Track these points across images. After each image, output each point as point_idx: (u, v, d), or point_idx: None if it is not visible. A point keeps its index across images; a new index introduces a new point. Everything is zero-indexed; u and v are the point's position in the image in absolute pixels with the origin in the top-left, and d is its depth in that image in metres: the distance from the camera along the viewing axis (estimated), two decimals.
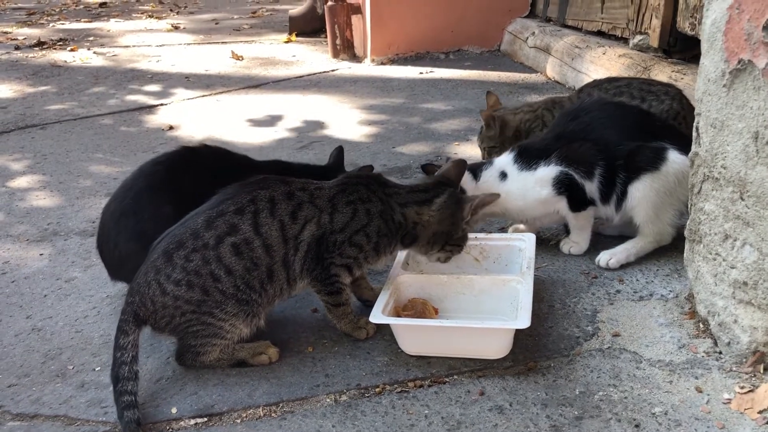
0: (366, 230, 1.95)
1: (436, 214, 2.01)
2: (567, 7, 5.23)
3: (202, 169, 2.27)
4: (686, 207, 2.25)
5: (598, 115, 2.39)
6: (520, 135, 3.08)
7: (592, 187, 2.33)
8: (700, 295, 1.94)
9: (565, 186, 2.32)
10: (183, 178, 2.21)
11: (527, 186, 2.35)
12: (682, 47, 3.84)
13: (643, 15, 4.10)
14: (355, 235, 1.93)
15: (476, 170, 2.44)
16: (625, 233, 2.43)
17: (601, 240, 2.44)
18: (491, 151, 3.13)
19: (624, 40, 4.40)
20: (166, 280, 1.82)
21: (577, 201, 2.34)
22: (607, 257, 2.34)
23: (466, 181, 2.42)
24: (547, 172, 2.33)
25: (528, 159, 2.37)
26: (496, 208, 2.38)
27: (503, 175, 2.40)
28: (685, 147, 2.25)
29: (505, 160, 2.44)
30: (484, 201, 2.07)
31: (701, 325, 1.95)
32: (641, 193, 2.26)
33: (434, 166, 2.40)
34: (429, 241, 2.04)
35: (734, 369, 1.78)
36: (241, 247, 1.84)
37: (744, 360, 1.77)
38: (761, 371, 1.74)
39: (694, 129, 1.90)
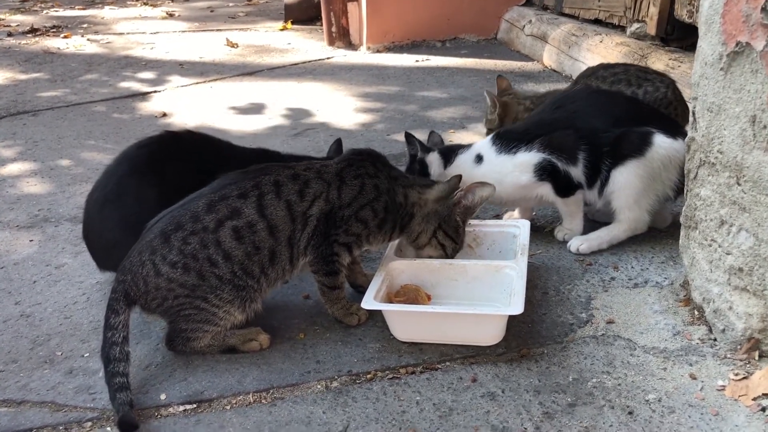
0: (373, 205, 1.95)
1: (435, 194, 2.04)
2: None
3: (185, 154, 2.23)
4: (670, 191, 2.26)
5: (584, 104, 2.36)
6: None
7: (578, 172, 2.30)
8: (695, 281, 1.92)
9: (547, 172, 2.29)
10: (166, 162, 2.17)
11: (505, 170, 2.32)
12: (680, 35, 3.81)
13: (641, 3, 4.07)
14: (361, 210, 1.93)
15: (449, 155, 2.42)
16: None
17: (598, 227, 2.41)
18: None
19: (621, 28, 4.37)
20: (162, 261, 1.79)
21: (564, 186, 2.31)
22: (578, 242, 2.33)
23: (435, 165, 2.40)
24: (529, 157, 2.29)
25: (507, 142, 2.34)
26: None
27: (479, 158, 2.37)
28: (672, 131, 2.24)
29: (481, 144, 2.42)
30: (473, 187, 2.07)
31: (696, 312, 1.93)
32: (624, 177, 2.22)
33: (412, 136, 2.48)
34: (423, 222, 2.04)
35: (729, 356, 1.76)
36: (243, 231, 1.82)
37: (738, 347, 1.76)
38: (756, 358, 1.72)
39: (690, 113, 1.88)
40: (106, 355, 1.74)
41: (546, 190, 2.32)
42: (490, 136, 2.43)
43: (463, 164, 2.38)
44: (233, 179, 1.88)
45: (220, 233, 1.80)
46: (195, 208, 1.82)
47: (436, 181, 2.12)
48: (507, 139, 2.35)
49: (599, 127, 2.27)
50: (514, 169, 2.31)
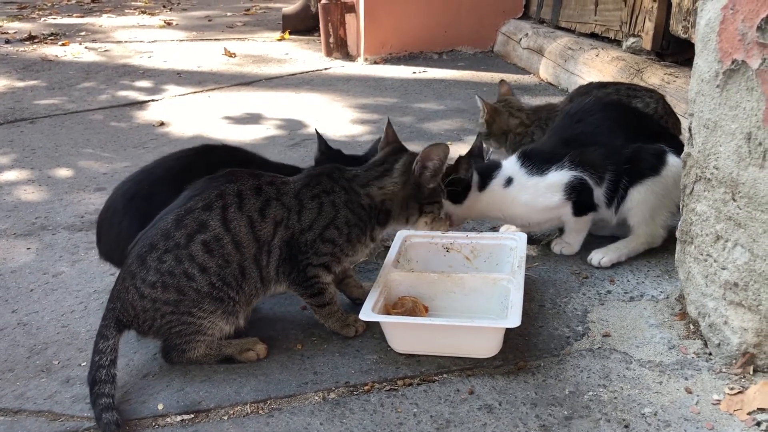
0: (335, 223, 1.92)
1: (398, 179, 1.98)
2: (560, 8, 5.23)
3: (217, 167, 2.25)
4: (678, 208, 2.27)
5: (603, 117, 2.38)
6: (507, 137, 3.10)
7: (599, 192, 2.32)
8: (690, 296, 1.94)
9: (576, 191, 2.29)
10: (198, 173, 2.19)
11: (537, 192, 2.31)
12: (675, 50, 3.85)
13: (637, 17, 4.11)
14: (325, 231, 1.91)
15: (486, 178, 2.36)
16: (617, 234, 2.43)
17: (594, 240, 2.43)
18: (483, 138, 3.13)
19: (617, 43, 4.40)
20: (142, 283, 1.80)
21: (584, 206, 2.33)
22: (599, 256, 2.35)
23: (474, 185, 2.35)
24: (560, 177, 2.29)
25: (537, 164, 2.32)
26: (500, 213, 2.38)
27: (508, 181, 2.34)
28: (680, 149, 2.27)
29: (510, 166, 2.38)
30: (428, 153, 1.95)
31: (691, 326, 1.95)
32: (641, 195, 2.27)
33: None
34: (403, 209, 2.00)
35: (724, 370, 1.78)
36: (212, 244, 1.82)
37: (734, 361, 1.77)
38: (751, 372, 1.74)
39: (687, 130, 1.90)
40: (92, 378, 1.74)
41: (567, 209, 2.33)
42: (516, 155, 2.40)
43: (497, 190, 2.34)
44: (199, 189, 1.88)
45: (192, 247, 1.81)
46: (165, 226, 1.83)
47: (392, 163, 2.00)
48: (536, 160, 2.33)
49: (620, 143, 2.30)
50: (546, 191, 2.30)
